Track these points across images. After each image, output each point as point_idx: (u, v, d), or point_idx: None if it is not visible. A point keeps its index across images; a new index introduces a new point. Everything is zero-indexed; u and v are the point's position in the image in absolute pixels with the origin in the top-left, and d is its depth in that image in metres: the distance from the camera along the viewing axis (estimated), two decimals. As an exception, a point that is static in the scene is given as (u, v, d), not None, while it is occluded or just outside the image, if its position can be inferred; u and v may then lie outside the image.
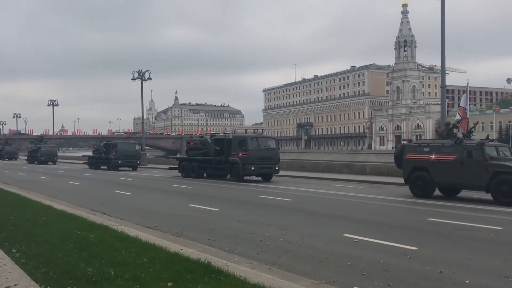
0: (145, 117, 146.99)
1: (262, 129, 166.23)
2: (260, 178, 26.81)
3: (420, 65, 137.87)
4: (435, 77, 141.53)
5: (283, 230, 10.51)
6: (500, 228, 11.12)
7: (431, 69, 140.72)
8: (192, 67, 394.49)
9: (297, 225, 11.46)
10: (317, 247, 8.93)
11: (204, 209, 14.47)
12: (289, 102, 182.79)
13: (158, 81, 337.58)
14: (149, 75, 49.62)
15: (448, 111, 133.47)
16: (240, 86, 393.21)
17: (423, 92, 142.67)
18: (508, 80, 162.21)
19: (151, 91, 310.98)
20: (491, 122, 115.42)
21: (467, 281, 6.60)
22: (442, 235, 10.28)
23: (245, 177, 26.31)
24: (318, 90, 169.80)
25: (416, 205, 15.76)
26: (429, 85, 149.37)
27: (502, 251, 8.64)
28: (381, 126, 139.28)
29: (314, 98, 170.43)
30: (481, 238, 9.95)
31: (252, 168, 25.45)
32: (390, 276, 6.88)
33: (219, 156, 27.53)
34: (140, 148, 45.84)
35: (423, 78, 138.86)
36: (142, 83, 49.65)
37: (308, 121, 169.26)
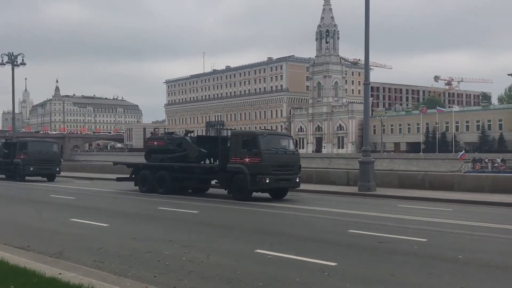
0: (17, 111, 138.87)
1: (164, 128, 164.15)
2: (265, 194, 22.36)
3: (343, 58, 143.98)
4: (359, 73, 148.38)
5: (187, 248, 10.48)
6: (425, 240, 11.92)
7: (355, 63, 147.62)
8: (79, 52, 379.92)
9: (203, 241, 11.51)
10: (225, 265, 9.01)
11: (91, 225, 14.00)
12: (197, 97, 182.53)
13: (35, 67, 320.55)
14: (23, 59, 46.84)
15: (372, 110, 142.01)
16: (138, 77, 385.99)
17: (346, 89, 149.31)
18: (436, 78, 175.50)
19: (25, 79, 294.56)
20: (418, 124, 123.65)
21: (389, 299, 7.02)
22: (363, 249, 10.83)
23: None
24: (230, 84, 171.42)
25: (337, 215, 16.50)
26: (352, 81, 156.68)
27: (426, 265, 9.26)
28: (301, 127, 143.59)
29: (226, 93, 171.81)
30: (405, 251, 10.60)
31: (267, 180, 20.19)
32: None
33: (206, 162, 23.83)
34: (60, 149, 41.32)
35: (346, 74, 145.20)
36: (13, 69, 46.82)
37: (219, 119, 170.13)
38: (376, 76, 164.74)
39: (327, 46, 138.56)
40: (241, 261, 9.46)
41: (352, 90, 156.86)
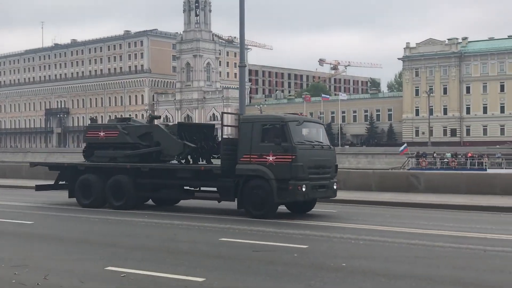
0: None
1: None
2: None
3: (217, 35, 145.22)
4: (235, 53, 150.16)
5: (18, 268, 10.05)
6: (306, 246, 12.50)
7: (230, 42, 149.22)
8: None
9: (41, 258, 11.15)
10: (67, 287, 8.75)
11: None
12: (34, 78, 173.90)
13: None
14: None
15: (250, 97, 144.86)
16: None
17: (221, 72, 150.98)
18: (321, 62, 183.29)
19: None
20: (301, 113, 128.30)
21: None
22: (236, 259, 11.12)
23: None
24: (77, 62, 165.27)
25: (207, 221, 16.73)
26: (227, 62, 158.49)
27: (306, 275, 9.69)
28: (167, 116, 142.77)
29: (72, 74, 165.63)
30: (284, 260, 11.01)
31: (304, 189, 16.89)
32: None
33: (198, 162, 20.29)
34: None
35: (220, 53, 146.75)
36: None
37: (63, 106, 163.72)
38: (255, 58, 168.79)
39: (197, 20, 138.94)
40: (87, 281, 9.24)
41: (228, 73, 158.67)
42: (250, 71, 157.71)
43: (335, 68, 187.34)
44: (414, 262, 11.02)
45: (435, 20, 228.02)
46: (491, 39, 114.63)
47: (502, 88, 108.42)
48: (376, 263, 10.85)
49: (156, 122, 23.15)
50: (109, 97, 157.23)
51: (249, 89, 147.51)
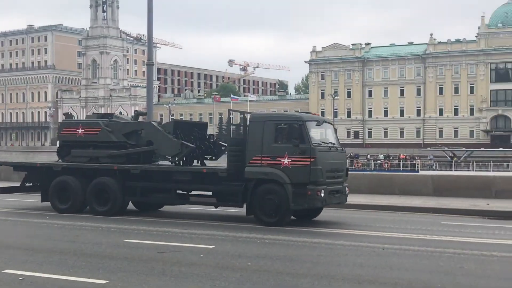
0: None
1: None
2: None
3: (124, 33, 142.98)
4: (144, 51, 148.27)
5: None
6: (212, 246, 12.54)
7: (138, 39, 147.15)
8: None
9: None
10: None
11: None
12: None
13: None
14: None
15: (159, 96, 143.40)
16: None
17: (128, 70, 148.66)
18: (230, 62, 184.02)
19: None
20: (211, 114, 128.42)
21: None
22: (140, 261, 10.96)
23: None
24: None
25: (112, 222, 16.42)
26: (135, 60, 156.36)
27: (211, 275, 9.73)
28: (70, 113, 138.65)
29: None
30: (189, 261, 10.99)
31: (322, 194, 15.65)
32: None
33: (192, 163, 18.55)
34: None
35: (128, 51, 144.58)
36: None
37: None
38: (164, 56, 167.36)
39: (104, 16, 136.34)
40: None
41: (135, 71, 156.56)
42: (159, 69, 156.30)
43: (244, 69, 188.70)
44: (316, 260, 11.27)
45: (342, 26, 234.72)
46: (392, 45, 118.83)
47: (402, 93, 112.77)
48: (280, 262, 11.01)
49: (141, 119, 21.51)
50: (11, 93, 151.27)
51: (157, 88, 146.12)
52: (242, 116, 18.38)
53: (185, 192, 18.14)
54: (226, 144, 18.42)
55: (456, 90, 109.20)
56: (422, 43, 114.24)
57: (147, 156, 18.90)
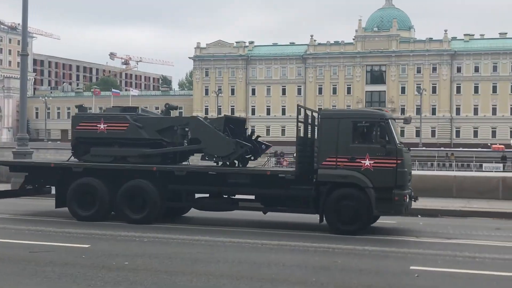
0: None
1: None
2: None
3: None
4: (19, 41, 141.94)
5: None
6: (88, 245, 12.25)
7: (13, 28, 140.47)
8: None
9: None
10: None
11: None
12: None
13: None
14: None
15: (35, 89, 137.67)
16: None
17: (2, 60, 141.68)
18: (112, 55, 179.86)
19: None
20: (90, 108, 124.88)
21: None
22: (10, 261, 10.53)
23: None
24: None
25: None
26: (10, 50, 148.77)
27: (87, 275, 9.48)
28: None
29: None
30: (63, 261, 10.62)
31: (407, 199, 14.49)
32: None
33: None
34: None
35: (1, 40, 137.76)
36: None
37: None
38: (41, 47, 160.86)
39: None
40: None
41: (10, 61, 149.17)
42: (35, 61, 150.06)
43: (126, 63, 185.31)
44: (195, 258, 11.27)
45: (227, 24, 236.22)
46: (275, 44, 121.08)
47: (284, 92, 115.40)
48: (157, 260, 10.91)
49: (172, 113, 19.00)
50: None
51: (33, 80, 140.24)
52: (307, 112, 16.27)
53: (234, 197, 16.15)
54: (264, 143, 17.15)
55: (334, 91, 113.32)
56: (303, 44, 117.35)
57: (182, 155, 17.17)
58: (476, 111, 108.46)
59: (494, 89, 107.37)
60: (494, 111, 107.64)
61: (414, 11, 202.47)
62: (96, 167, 16.11)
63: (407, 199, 14.30)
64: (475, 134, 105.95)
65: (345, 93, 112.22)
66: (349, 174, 14.20)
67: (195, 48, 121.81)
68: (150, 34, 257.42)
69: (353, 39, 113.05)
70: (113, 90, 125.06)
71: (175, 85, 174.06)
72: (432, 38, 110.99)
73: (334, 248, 12.48)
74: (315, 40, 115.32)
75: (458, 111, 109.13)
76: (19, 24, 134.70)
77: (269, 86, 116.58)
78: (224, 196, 16.01)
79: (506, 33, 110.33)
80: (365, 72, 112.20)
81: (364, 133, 14.61)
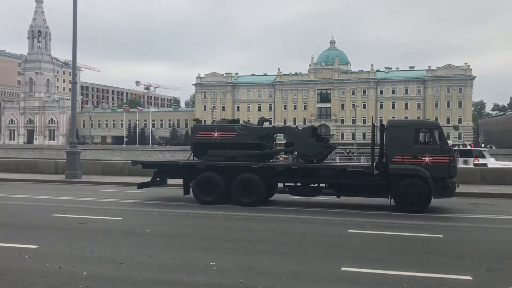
0: None
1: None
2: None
3: (55, 58, 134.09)
4: (70, 72, 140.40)
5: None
6: (120, 218, 11.89)
7: (66, 64, 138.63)
8: None
9: None
10: None
11: None
12: None
13: None
14: None
15: (82, 107, 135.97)
16: None
17: (58, 87, 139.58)
18: (137, 83, 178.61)
19: None
20: (122, 120, 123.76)
21: (85, 273, 6.79)
22: (65, 230, 10.26)
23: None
24: None
25: (42, 201, 15.21)
26: (64, 79, 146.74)
27: (119, 239, 9.30)
28: (12, 119, 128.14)
29: None
30: (103, 230, 10.42)
31: (458, 186, 14.36)
32: (3, 280, 6.36)
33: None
34: None
35: (58, 72, 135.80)
36: None
37: None
38: (86, 77, 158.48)
39: (39, 46, 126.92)
40: None
41: (64, 87, 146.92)
42: (82, 87, 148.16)
43: (147, 88, 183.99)
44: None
45: (218, 60, 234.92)
46: (253, 75, 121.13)
47: (259, 108, 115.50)
48: (172, 228, 10.70)
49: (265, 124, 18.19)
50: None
51: (81, 100, 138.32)
52: (373, 123, 16.00)
53: (319, 185, 15.08)
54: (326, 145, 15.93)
55: (295, 107, 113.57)
56: (273, 74, 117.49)
57: (271, 155, 16.42)
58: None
59: (406, 106, 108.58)
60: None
61: (351, 49, 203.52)
62: (215, 164, 15.52)
63: (458, 186, 14.08)
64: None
65: (302, 109, 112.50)
66: (414, 168, 13.79)
67: (196, 77, 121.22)
68: (164, 67, 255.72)
69: (308, 71, 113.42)
70: (138, 107, 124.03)
71: (182, 104, 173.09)
72: (362, 70, 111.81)
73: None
74: (281, 72, 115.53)
75: (381, 121, 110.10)
76: (70, 60, 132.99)
77: (249, 105, 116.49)
78: (310, 185, 15.16)
79: (414, 66, 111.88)
80: (316, 94, 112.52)
81: (423, 137, 14.25)
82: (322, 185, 14.99)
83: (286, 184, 15.22)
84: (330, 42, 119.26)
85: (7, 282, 6.29)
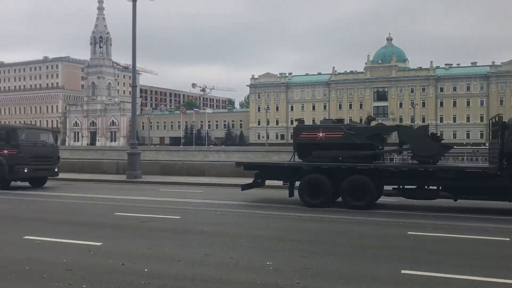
0: None
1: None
2: None
3: (115, 63, 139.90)
4: (130, 76, 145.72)
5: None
6: (179, 217, 12.19)
7: (126, 68, 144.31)
8: None
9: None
10: None
11: None
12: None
13: None
14: None
15: (141, 109, 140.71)
16: None
17: (118, 90, 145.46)
18: (193, 85, 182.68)
19: None
20: (179, 122, 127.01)
21: (146, 270, 7.00)
22: (127, 228, 10.65)
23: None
24: (5, 79, 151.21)
25: (105, 200, 15.85)
26: (124, 83, 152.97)
27: (178, 238, 9.53)
28: (76, 122, 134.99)
29: (1, 88, 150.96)
30: (161, 228, 10.71)
31: None
32: (71, 275, 6.69)
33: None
34: (55, 139, 22.75)
35: (118, 76, 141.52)
36: None
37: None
38: (145, 80, 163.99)
39: (101, 51, 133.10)
40: (8, 248, 8.41)
41: (124, 91, 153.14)
42: (141, 90, 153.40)
43: (203, 90, 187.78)
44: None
45: (271, 61, 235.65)
46: (307, 74, 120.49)
47: (313, 108, 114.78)
48: (229, 227, 10.86)
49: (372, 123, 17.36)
50: (30, 107, 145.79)
51: (140, 103, 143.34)
52: (496, 122, 14.09)
53: (438, 188, 13.78)
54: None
55: (350, 106, 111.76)
56: (327, 73, 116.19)
57: (380, 156, 15.80)
58: (454, 119, 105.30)
59: (468, 103, 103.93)
60: (468, 119, 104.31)
61: (408, 46, 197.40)
62: (322, 166, 14.72)
63: None
64: (454, 136, 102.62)
65: (358, 108, 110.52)
66: None
67: (250, 78, 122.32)
68: (219, 69, 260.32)
69: (364, 69, 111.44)
70: (194, 109, 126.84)
71: (237, 105, 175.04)
72: (421, 67, 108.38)
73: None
74: (336, 70, 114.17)
75: (441, 119, 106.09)
76: (129, 64, 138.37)
77: (303, 104, 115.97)
78: (425, 187, 13.92)
79: (476, 62, 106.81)
80: (373, 92, 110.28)
81: None
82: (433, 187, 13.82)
83: (399, 186, 14.09)
84: (387, 39, 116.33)
85: (75, 277, 6.62)
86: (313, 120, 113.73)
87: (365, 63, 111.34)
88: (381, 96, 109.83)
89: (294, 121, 20.41)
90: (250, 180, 16.26)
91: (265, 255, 8.03)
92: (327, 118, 15.58)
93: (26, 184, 20.80)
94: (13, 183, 20.06)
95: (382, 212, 13.46)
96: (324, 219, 12.18)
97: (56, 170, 20.69)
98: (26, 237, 9.27)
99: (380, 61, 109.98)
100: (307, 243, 9.04)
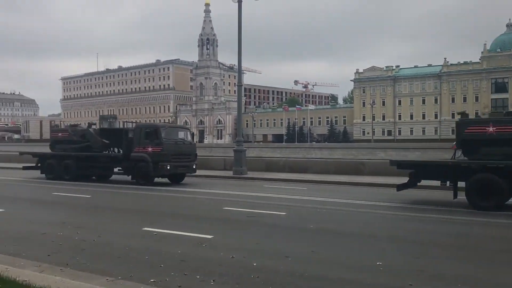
0: None
1: (60, 121, 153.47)
2: None
3: (221, 63, 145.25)
4: (235, 76, 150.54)
5: (79, 229, 9.90)
6: (284, 213, 12.32)
7: (231, 68, 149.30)
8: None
9: (95, 223, 10.93)
10: (115, 243, 8.65)
11: (-15, 211, 12.63)
12: (91, 93, 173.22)
13: None
14: None
15: (245, 108, 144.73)
16: (34, 73, 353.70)
17: (224, 90, 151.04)
18: (296, 82, 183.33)
19: None
20: (281, 119, 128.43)
21: (255, 264, 7.18)
22: (235, 223, 11.00)
23: None
24: (122, 82, 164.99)
25: (214, 195, 16.41)
26: (229, 83, 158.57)
27: (284, 233, 9.64)
28: (186, 120, 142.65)
29: (118, 90, 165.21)
30: (269, 223, 10.90)
31: None
32: (186, 265, 7.08)
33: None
34: (192, 137, 22.66)
35: (224, 76, 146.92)
36: None
37: (112, 113, 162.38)
38: (248, 79, 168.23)
39: (207, 52, 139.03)
40: (130, 238, 9.13)
41: (229, 90, 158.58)
42: (245, 89, 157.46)
43: (305, 86, 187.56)
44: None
45: (375, 54, 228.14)
46: (416, 67, 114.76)
47: (423, 102, 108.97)
48: (335, 224, 10.75)
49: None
50: (145, 107, 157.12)
51: (244, 101, 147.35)
52: None
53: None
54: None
55: (465, 99, 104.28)
56: (438, 65, 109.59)
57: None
58: None
59: None
60: None
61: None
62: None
63: None
64: None
65: (473, 101, 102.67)
66: None
67: (354, 73, 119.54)
68: (321, 65, 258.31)
69: (480, 58, 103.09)
70: (296, 106, 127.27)
71: (340, 101, 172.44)
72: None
73: None
74: (448, 62, 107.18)
75: None
76: (234, 64, 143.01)
77: (412, 98, 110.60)
78: None
79: None
80: (490, 84, 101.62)
81: None
82: None
83: None
84: (507, 26, 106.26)
85: (190, 267, 6.99)
86: (423, 115, 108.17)
87: (482, 53, 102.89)
88: (500, 87, 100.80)
89: (455, 114, 18.82)
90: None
91: (375, 255, 7.80)
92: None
93: (166, 180, 21.33)
94: (156, 179, 20.76)
95: None
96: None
97: (194, 167, 20.94)
98: (145, 228, 10.00)
99: (499, 50, 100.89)
100: (418, 243, 8.60)
